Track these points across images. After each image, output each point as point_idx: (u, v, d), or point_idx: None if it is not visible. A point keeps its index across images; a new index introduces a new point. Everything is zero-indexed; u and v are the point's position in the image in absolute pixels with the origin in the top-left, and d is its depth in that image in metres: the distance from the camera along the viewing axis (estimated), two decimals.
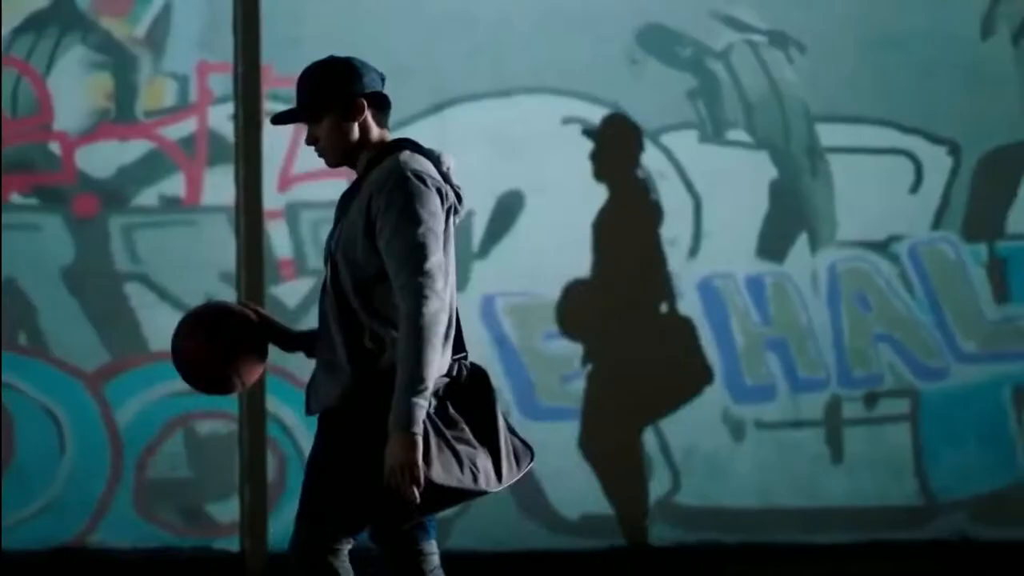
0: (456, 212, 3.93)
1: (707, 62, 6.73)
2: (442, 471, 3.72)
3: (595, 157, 6.63)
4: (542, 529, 6.62)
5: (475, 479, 3.79)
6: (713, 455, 6.70)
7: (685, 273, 6.70)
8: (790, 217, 6.76)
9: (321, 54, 6.36)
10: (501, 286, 6.64)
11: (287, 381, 6.39)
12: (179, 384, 6.20)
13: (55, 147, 6.43)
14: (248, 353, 3.95)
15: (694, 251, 6.71)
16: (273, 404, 6.37)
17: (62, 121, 6.43)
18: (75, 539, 6.40)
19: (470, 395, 3.90)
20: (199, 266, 6.48)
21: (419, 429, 3.65)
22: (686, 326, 6.69)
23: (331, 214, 6.32)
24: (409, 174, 3.79)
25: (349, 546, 3.88)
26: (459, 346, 3.93)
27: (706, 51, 6.72)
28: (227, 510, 6.46)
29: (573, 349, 6.66)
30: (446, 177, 3.91)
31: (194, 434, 6.48)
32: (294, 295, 6.53)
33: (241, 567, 6.37)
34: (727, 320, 6.72)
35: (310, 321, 6.37)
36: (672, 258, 6.70)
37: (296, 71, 6.34)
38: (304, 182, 6.55)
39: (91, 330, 6.43)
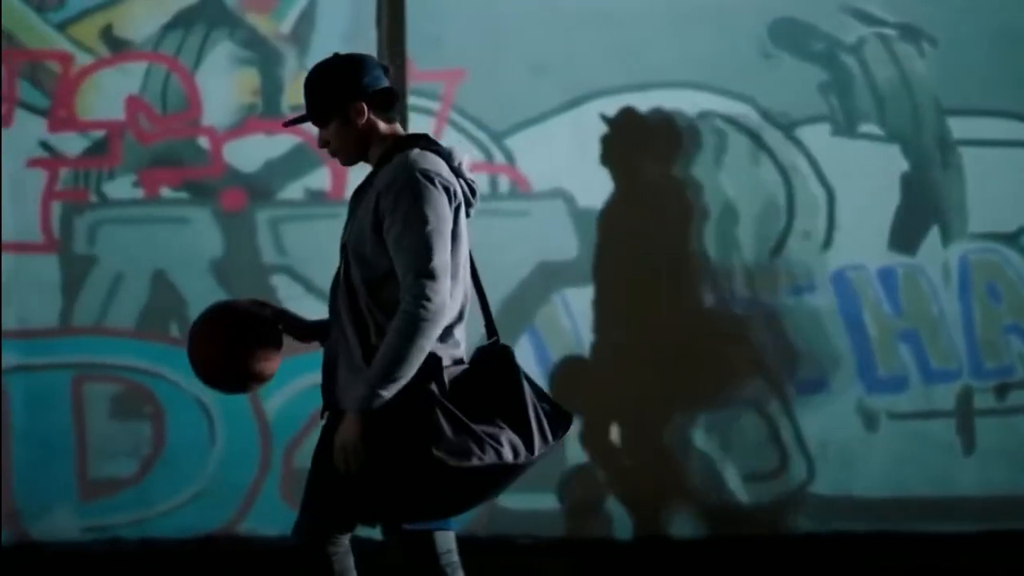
0: (470, 205, 4.03)
1: (839, 56, 6.77)
2: (463, 455, 3.81)
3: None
4: (680, 517, 6.68)
5: (499, 455, 3.86)
6: (846, 446, 6.75)
7: (818, 265, 6.75)
8: (921, 209, 6.80)
9: (461, 50, 6.57)
10: None
11: None
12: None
13: (204, 142, 6.52)
14: (264, 351, 4.09)
15: (827, 243, 6.76)
16: None
17: (210, 116, 6.52)
18: (224, 527, 6.49)
19: (495, 375, 3.99)
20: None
21: (370, 415, 3.78)
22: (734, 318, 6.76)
23: (480, 207, 6.46)
24: (417, 173, 3.86)
25: (348, 536, 4.03)
26: (491, 330, 4.07)
27: (838, 45, 6.76)
28: None
29: (712, 341, 6.72)
30: (458, 172, 3.99)
31: None
32: None
33: (382, 555, 6.45)
34: (860, 312, 6.77)
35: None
36: (806, 250, 6.75)
37: (438, 67, 6.53)
38: None
39: None
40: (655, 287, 6.65)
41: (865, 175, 6.77)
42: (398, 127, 4.06)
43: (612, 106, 6.68)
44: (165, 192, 6.50)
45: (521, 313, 6.63)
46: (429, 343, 3.82)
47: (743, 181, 6.72)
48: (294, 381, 6.54)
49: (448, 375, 3.90)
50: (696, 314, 6.69)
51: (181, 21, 6.52)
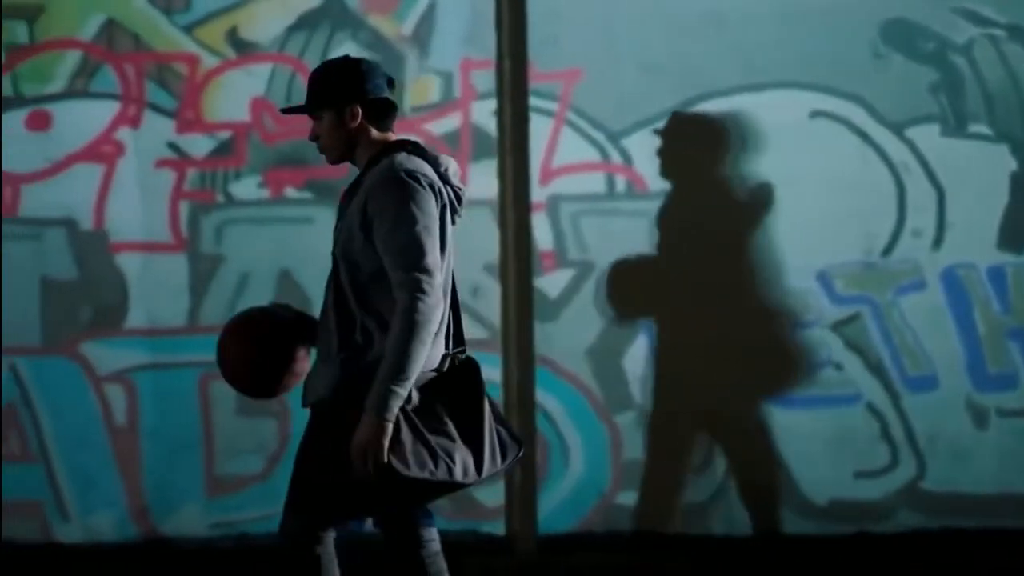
0: (455, 211, 4.09)
1: (949, 56, 6.83)
2: (414, 465, 3.89)
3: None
4: (791, 514, 6.75)
5: (450, 472, 3.95)
6: (956, 442, 6.81)
7: (928, 263, 6.81)
8: None
9: (578, 51, 6.64)
10: None
11: (547, 368, 6.57)
12: None
13: None
14: (290, 354, 4.13)
15: (938, 242, 6.82)
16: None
17: None
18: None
19: (459, 388, 4.06)
20: (464, 257, 6.50)
21: (391, 417, 3.84)
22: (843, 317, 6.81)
23: (591, 206, 6.55)
24: (403, 174, 3.94)
25: (334, 534, 4.09)
26: (459, 339, 4.12)
27: (948, 45, 6.82)
28: (492, 494, 6.62)
29: (822, 338, 6.78)
30: (444, 178, 4.06)
31: None
32: (555, 286, 6.68)
33: (507, 550, 6.54)
34: (970, 309, 6.83)
35: (573, 313, 6.58)
36: (916, 249, 6.81)
37: (555, 68, 6.59)
38: (564, 175, 6.69)
39: None
40: (761, 285, 6.70)
41: (975, 174, 6.83)
42: (390, 136, 4.13)
43: (724, 106, 6.74)
44: (289, 192, 6.57)
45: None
46: (430, 336, 3.89)
47: (853, 180, 6.78)
48: None
49: (417, 381, 3.94)
50: (803, 312, 6.76)
51: (305, 23, 6.58)
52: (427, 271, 3.88)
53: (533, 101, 6.55)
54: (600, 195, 6.71)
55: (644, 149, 6.70)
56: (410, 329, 3.85)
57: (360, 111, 4.09)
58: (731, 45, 6.72)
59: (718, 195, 6.73)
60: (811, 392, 6.76)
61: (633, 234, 6.69)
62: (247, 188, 6.54)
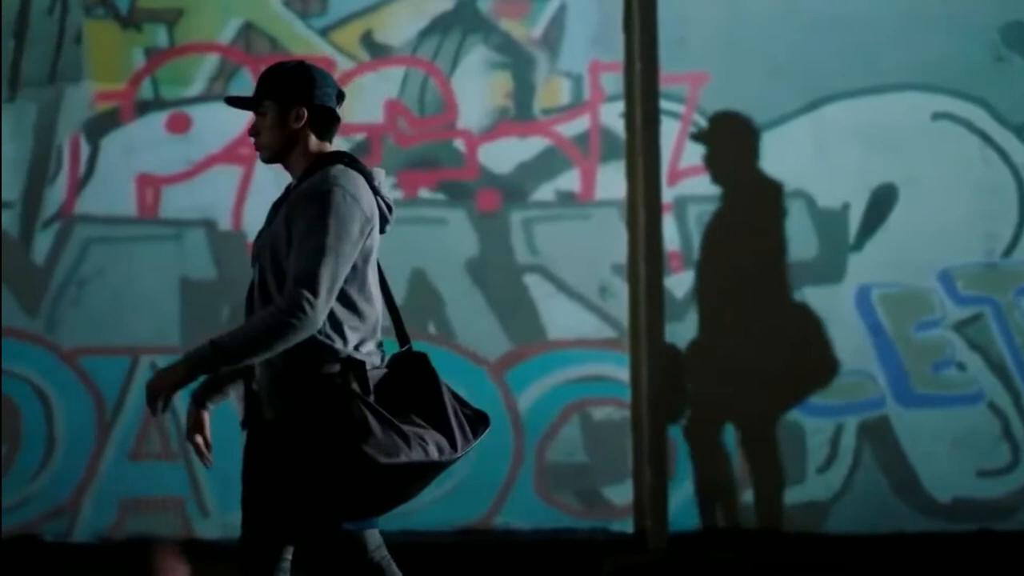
0: (387, 221, 4.14)
1: None
2: (392, 453, 3.90)
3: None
4: (915, 512, 6.81)
5: (426, 452, 4.00)
6: None
7: None
8: None
9: (705, 54, 6.71)
10: (875, 276, 6.80)
11: None
12: (575, 372, 6.54)
13: (459, 144, 6.67)
14: None
15: None
16: None
17: (465, 119, 6.66)
18: (480, 520, 6.64)
19: (414, 381, 4.10)
20: (593, 258, 6.70)
21: (193, 376, 3.93)
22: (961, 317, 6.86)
23: (717, 208, 6.58)
24: (334, 188, 3.93)
25: (290, 552, 4.04)
26: (403, 338, 4.19)
27: None
28: (621, 493, 6.69)
29: (945, 338, 6.84)
30: (377, 191, 4.08)
31: (589, 420, 6.70)
32: (682, 287, 6.74)
33: (636, 548, 6.61)
34: None
35: (697, 313, 6.64)
36: None
37: (682, 70, 6.64)
38: (691, 176, 6.75)
39: (494, 320, 6.67)
40: (881, 284, 6.76)
41: None
42: (328, 147, 4.14)
43: (848, 108, 6.79)
44: (423, 193, 6.65)
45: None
46: (280, 347, 3.87)
47: (975, 182, 6.83)
48: (545, 376, 6.70)
49: (372, 378, 3.98)
50: (923, 312, 6.81)
51: (438, 26, 6.65)
52: (313, 290, 3.87)
53: (663, 103, 6.62)
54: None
55: (768, 151, 6.75)
56: (266, 331, 3.86)
57: (305, 114, 4.09)
58: (855, 48, 6.77)
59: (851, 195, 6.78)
60: (934, 392, 6.81)
61: None
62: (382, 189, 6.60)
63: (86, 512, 6.47)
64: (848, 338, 6.77)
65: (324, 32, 6.59)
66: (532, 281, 6.68)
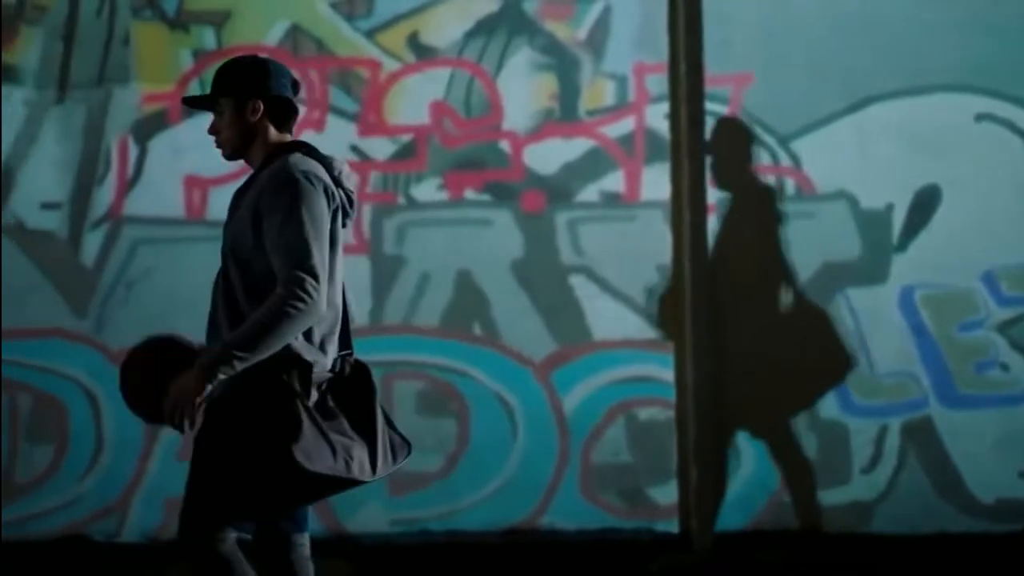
0: (347, 215, 4.12)
1: None
2: (317, 460, 3.91)
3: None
4: (958, 513, 6.81)
5: (348, 468, 3.99)
6: None
7: None
8: None
9: (748, 55, 6.71)
10: (919, 277, 6.81)
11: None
12: (620, 372, 6.56)
13: (505, 145, 6.68)
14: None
15: None
16: None
17: (511, 120, 6.68)
18: (526, 520, 6.65)
19: (352, 390, 4.10)
20: (638, 259, 6.72)
21: (214, 381, 3.86)
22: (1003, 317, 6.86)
23: (756, 207, 6.57)
24: (297, 174, 3.97)
25: (235, 535, 4.05)
26: (345, 343, 4.14)
27: None
28: (666, 493, 6.70)
29: (988, 338, 6.85)
30: (337, 181, 4.09)
31: (634, 420, 6.72)
32: (726, 287, 6.76)
33: (681, 548, 6.63)
34: None
35: (741, 313, 6.65)
36: None
37: (726, 71, 6.66)
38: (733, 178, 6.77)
39: (539, 320, 6.68)
40: (925, 285, 6.78)
41: None
42: (287, 138, 4.16)
43: (892, 109, 6.80)
44: (469, 194, 6.67)
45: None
46: (292, 335, 3.90)
47: (1018, 182, 6.83)
48: (590, 377, 6.72)
49: (315, 379, 4.00)
50: (967, 312, 6.82)
51: (483, 28, 6.67)
52: (312, 272, 3.90)
53: (708, 105, 6.64)
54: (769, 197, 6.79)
55: (812, 152, 6.76)
56: (277, 317, 3.87)
57: (261, 107, 4.12)
58: (898, 49, 6.78)
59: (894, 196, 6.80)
60: (978, 392, 6.81)
61: (802, 236, 6.75)
62: (427, 190, 6.64)
63: (134, 512, 6.49)
64: (892, 339, 6.78)
65: (370, 34, 6.61)
66: (577, 282, 6.69)
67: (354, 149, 6.60)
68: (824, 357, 6.73)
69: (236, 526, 4.07)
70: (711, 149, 6.68)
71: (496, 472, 6.65)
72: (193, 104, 4.25)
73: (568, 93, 6.70)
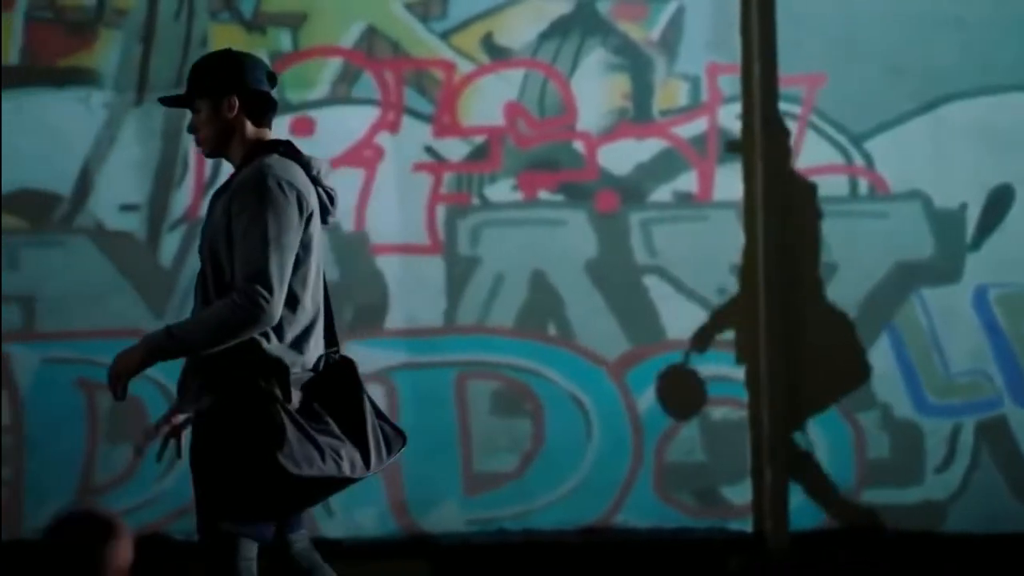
0: (328, 212, 4.10)
1: None
2: (303, 463, 3.87)
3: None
4: None
5: (339, 467, 3.95)
6: None
7: None
8: None
9: (821, 55, 6.70)
10: (993, 277, 6.79)
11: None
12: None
13: (578, 146, 6.70)
14: None
15: None
16: None
17: (585, 121, 6.70)
18: (600, 519, 6.67)
19: (338, 387, 4.06)
20: (710, 259, 6.73)
21: (151, 362, 3.92)
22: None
23: (834, 208, 6.61)
24: (269, 179, 3.90)
25: (256, 548, 3.99)
26: (331, 340, 4.12)
27: None
28: (740, 493, 6.72)
29: None
30: (316, 180, 4.05)
31: (708, 419, 6.73)
32: (797, 286, 6.76)
33: (755, 547, 6.64)
34: None
35: (814, 312, 6.64)
36: None
37: (799, 71, 6.65)
38: (808, 178, 6.76)
39: (613, 320, 6.70)
40: (999, 284, 6.77)
41: None
42: (266, 133, 4.11)
43: (965, 108, 6.79)
44: (543, 195, 6.69)
45: (879, 313, 6.76)
46: (234, 340, 3.88)
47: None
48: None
49: (295, 381, 3.97)
50: None
51: (557, 29, 6.69)
52: (265, 284, 3.86)
53: (781, 105, 6.64)
54: (843, 197, 6.78)
55: (886, 151, 6.76)
56: (223, 321, 3.86)
57: (237, 102, 4.07)
58: (972, 47, 6.76)
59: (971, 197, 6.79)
60: None
61: (875, 236, 6.75)
62: (501, 191, 6.66)
63: None
64: (965, 338, 6.77)
65: (445, 35, 6.64)
66: (651, 282, 6.70)
67: (428, 150, 6.62)
68: (903, 357, 6.72)
69: (258, 538, 4.04)
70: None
71: (571, 472, 6.67)
72: (170, 103, 4.20)
73: (641, 93, 6.72)
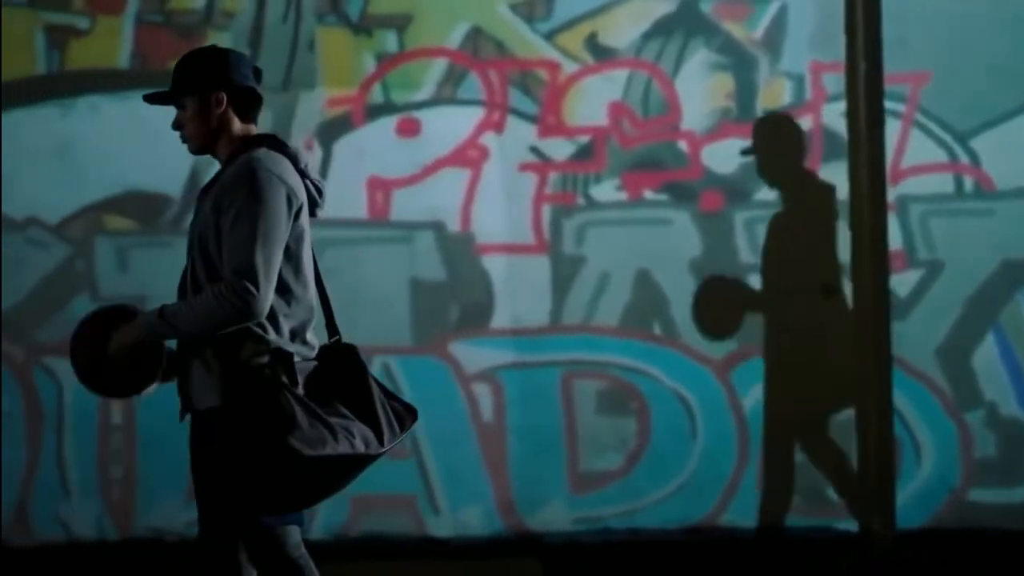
0: (316, 205, 4.09)
1: None
2: (319, 444, 3.89)
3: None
4: None
5: (352, 445, 3.95)
6: None
7: None
8: None
9: (926, 53, 6.66)
10: None
11: (897, 367, 6.62)
12: None
13: (683, 145, 6.71)
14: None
15: None
16: None
17: (689, 120, 6.70)
18: (706, 518, 6.67)
19: (342, 373, 4.06)
20: (814, 258, 6.72)
21: (146, 340, 3.98)
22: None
23: (939, 206, 6.58)
24: (259, 172, 3.91)
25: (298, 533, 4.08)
26: (332, 329, 4.15)
27: None
28: (845, 492, 6.70)
29: None
30: (304, 174, 4.03)
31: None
32: (905, 286, 6.74)
33: (861, 547, 6.61)
34: None
35: (923, 312, 6.62)
36: None
37: (904, 70, 6.62)
38: (913, 176, 6.75)
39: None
40: None
41: None
42: (253, 128, 4.13)
43: None
44: (647, 194, 6.69)
45: (985, 311, 6.73)
46: (218, 330, 3.92)
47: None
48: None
49: (300, 370, 3.99)
50: None
51: (660, 29, 6.70)
52: (251, 278, 3.88)
53: (887, 103, 6.62)
54: (948, 195, 6.76)
55: (991, 149, 6.73)
56: (210, 310, 3.89)
57: (225, 99, 4.08)
58: None
59: None
60: None
61: (981, 234, 6.72)
62: (606, 191, 6.67)
63: (321, 510, 6.55)
64: None
65: (549, 36, 6.66)
66: (755, 282, 6.70)
67: (533, 150, 6.65)
68: (1009, 354, 6.70)
69: (282, 520, 4.09)
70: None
71: (676, 470, 6.67)
72: (155, 100, 4.19)
73: (745, 92, 6.71)
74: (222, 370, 3.98)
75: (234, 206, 3.92)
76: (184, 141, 4.16)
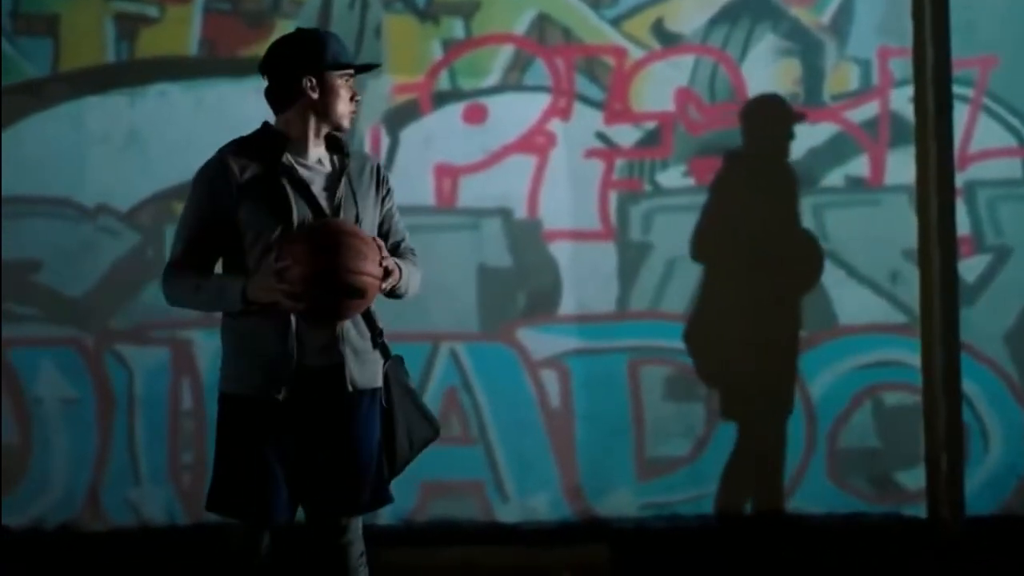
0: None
1: None
2: (433, 424, 4.33)
3: None
4: None
5: (434, 429, 4.36)
6: None
7: None
8: None
9: (993, 37, 6.62)
10: None
11: (965, 353, 6.59)
12: (866, 357, 6.50)
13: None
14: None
15: None
16: None
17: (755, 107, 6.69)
18: (775, 505, 6.68)
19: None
20: (883, 243, 6.70)
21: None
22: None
23: (1008, 191, 6.54)
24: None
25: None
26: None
27: None
28: (914, 478, 6.68)
29: None
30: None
31: (881, 405, 6.70)
32: (972, 271, 6.71)
33: (929, 533, 6.59)
34: None
35: (990, 298, 6.59)
36: None
37: (971, 54, 6.58)
38: (981, 161, 6.72)
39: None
40: None
41: None
42: None
43: None
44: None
45: None
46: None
47: None
48: (837, 362, 6.70)
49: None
50: None
51: (727, 15, 6.69)
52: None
53: (955, 88, 6.59)
54: (1017, 180, 6.73)
55: None
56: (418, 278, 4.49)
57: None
58: None
59: None
60: None
61: None
62: (673, 177, 6.67)
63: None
64: None
65: (615, 22, 6.66)
66: (823, 266, 6.68)
67: (600, 136, 6.64)
68: None
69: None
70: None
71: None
72: (361, 70, 4.42)
73: (812, 78, 6.70)
74: (370, 351, 4.25)
75: (390, 189, 4.39)
76: (352, 113, 4.36)
